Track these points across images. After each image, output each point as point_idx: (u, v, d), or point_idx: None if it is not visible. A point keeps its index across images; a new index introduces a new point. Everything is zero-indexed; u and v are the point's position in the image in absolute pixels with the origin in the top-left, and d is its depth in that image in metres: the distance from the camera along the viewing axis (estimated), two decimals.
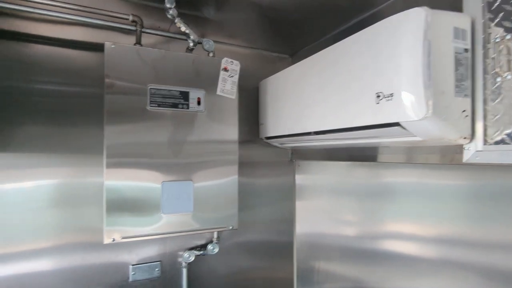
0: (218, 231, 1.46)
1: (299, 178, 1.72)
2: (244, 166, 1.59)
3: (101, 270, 1.32)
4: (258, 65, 1.68)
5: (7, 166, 1.16)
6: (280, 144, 1.58)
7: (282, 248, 1.72)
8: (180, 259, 1.46)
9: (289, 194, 1.74)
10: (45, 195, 1.21)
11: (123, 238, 1.13)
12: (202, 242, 1.51)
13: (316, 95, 1.13)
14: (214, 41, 1.39)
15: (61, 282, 1.24)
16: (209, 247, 1.47)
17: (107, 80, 1.13)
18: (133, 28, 1.28)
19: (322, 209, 1.54)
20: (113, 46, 1.15)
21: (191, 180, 1.24)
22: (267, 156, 1.69)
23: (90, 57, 1.29)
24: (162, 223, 1.19)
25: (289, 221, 1.74)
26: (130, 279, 1.37)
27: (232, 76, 1.35)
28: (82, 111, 1.28)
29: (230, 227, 1.30)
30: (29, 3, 1.12)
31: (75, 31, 1.28)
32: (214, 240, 1.49)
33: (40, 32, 1.23)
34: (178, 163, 1.23)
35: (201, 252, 1.47)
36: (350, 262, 1.35)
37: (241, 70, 1.38)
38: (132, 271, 1.37)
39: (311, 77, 1.16)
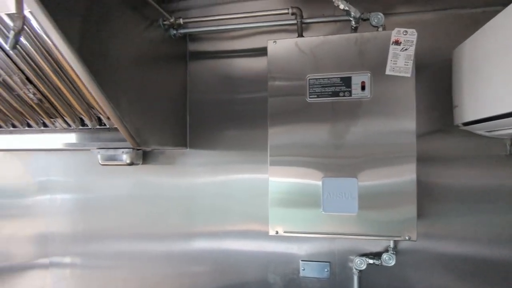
0: (394, 240, 1.22)
1: None
2: (430, 162, 1.25)
3: (275, 259, 1.39)
4: (448, 30, 1.27)
5: (215, 162, 1.42)
6: (488, 131, 1.13)
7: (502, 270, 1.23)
8: (350, 264, 1.33)
9: (509, 200, 1.22)
10: (236, 187, 1.40)
11: (285, 232, 1.13)
12: (377, 249, 1.31)
13: None
14: (385, 14, 1.16)
15: (245, 261, 1.41)
16: (384, 256, 1.25)
17: (269, 81, 1.16)
18: (293, 21, 1.27)
19: None
20: (274, 43, 1.17)
21: (356, 177, 1.09)
22: (468, 148, 1.25)
23: (263, 62, 1.37)
24: (323, 222, 1.10)
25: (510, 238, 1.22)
26: (301, 274, 1.37)
27: (406, 50, 1.07)
28: (259, 114, 1.39)
29: (407, 238, 1.04)
30: (215, 22, 1.30)
31: (253, 40, 1.39)
32: (390, 249, 1.25)
33: (228, 47, 1.41)
34: (340, 158, 1.10)
35: (375, 261, 1.27)
36: None
37: (420, 40, 1.08)
38: (302, 267, 1.37)
39: None
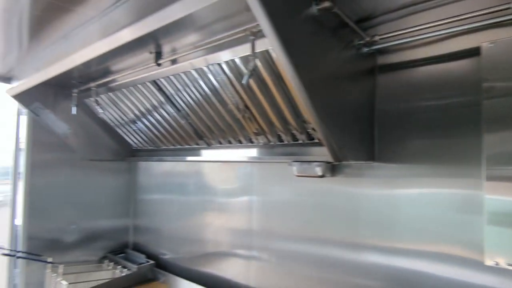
0: None
1: None
2: None
3: None
4: None
5: (396, 175, 1.37)
6: None
7: None
8: None
9: None
10: (425, 202, 1.30)
11: (509, 264, 0.94)
12: None
13: None
14: None
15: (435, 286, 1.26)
16: None
17: (485, 84, 1.02)
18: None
19: None
20: (490, 45, 1.03)
21: None
22: None
23: (464, 65, 1.23)
24: None
25: None
26: None
27: None
28: (456, 121, 1.24)
29: None
30: (410, 33, 1.26)
31: (448, 44, 1.27)
32: None
33: (419, 55, 1.34)
34: None
35: None
36: None
37: None
38: None
39: None
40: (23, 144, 2.20)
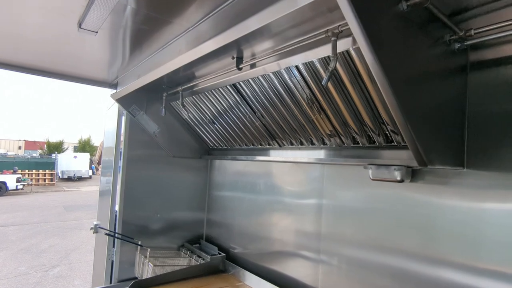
0: None
1: None
2: None
3: None
4: None
5: (486, 185, 1.23)
6: None
7: None
8: None
9: None
10: None
11: None
12: None
13: None
14: None
15: None
16: None
17: None
18: None
19: None
20: None
21: None
22: None
23: None
24: None
25: None
26: None
27: None
28: None
29: None
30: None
31: None
32: None
33: None
34: None
35: None
36: None
37: None
38: None
39: None
40: (122, 142, 2.55)
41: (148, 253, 2.29)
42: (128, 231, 2.46)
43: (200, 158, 2.74)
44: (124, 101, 2.21)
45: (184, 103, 2.14)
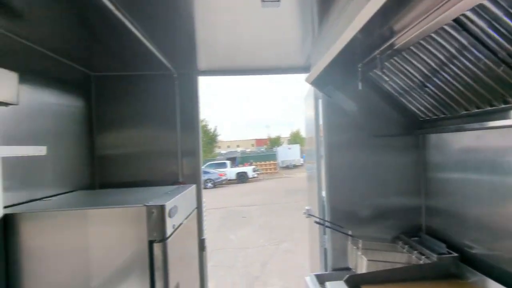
0: None
1: None
2: None
3: None
4: None
5: None
6: None
7: None
8: None
9: None
10: None
11: None
12: None
13: None
14: None
15: None
16: None
17: None
18: None
19: None
20: None
21: None
22: None
23: None
24: None
25: None
26: None
27: None
28: None
29: None
30: None
31: None
32: None
33: None
34: None
35: None
36: None
37: None
38: None
39: None
40: (321, 126, 2.53)
41: (360, 245, 2.12)
42: (336, 218, 2.40)
43: (408, 135, 2.29)
44: (318, 82, 2.12)
45: (384, 69, 1.79)
